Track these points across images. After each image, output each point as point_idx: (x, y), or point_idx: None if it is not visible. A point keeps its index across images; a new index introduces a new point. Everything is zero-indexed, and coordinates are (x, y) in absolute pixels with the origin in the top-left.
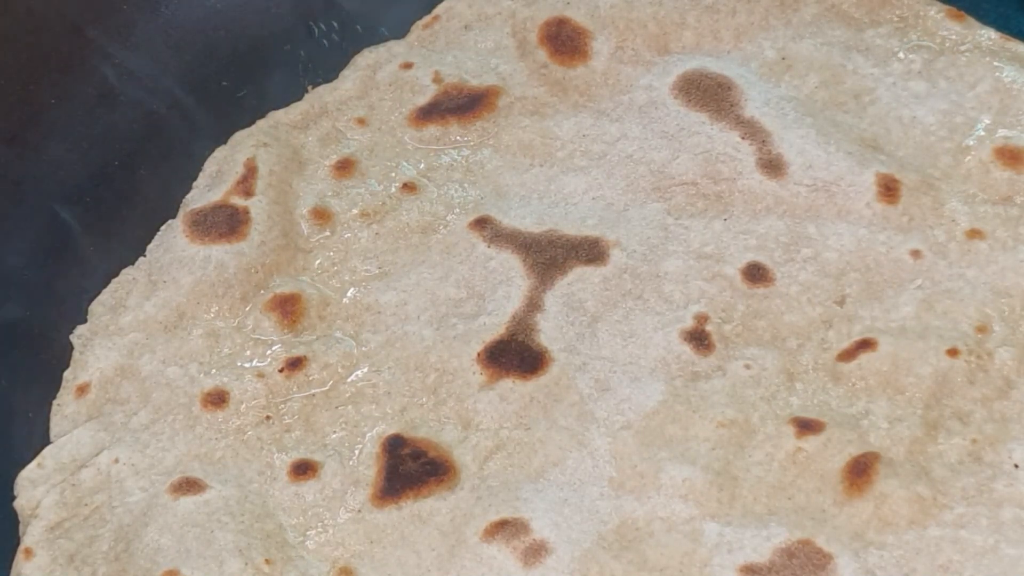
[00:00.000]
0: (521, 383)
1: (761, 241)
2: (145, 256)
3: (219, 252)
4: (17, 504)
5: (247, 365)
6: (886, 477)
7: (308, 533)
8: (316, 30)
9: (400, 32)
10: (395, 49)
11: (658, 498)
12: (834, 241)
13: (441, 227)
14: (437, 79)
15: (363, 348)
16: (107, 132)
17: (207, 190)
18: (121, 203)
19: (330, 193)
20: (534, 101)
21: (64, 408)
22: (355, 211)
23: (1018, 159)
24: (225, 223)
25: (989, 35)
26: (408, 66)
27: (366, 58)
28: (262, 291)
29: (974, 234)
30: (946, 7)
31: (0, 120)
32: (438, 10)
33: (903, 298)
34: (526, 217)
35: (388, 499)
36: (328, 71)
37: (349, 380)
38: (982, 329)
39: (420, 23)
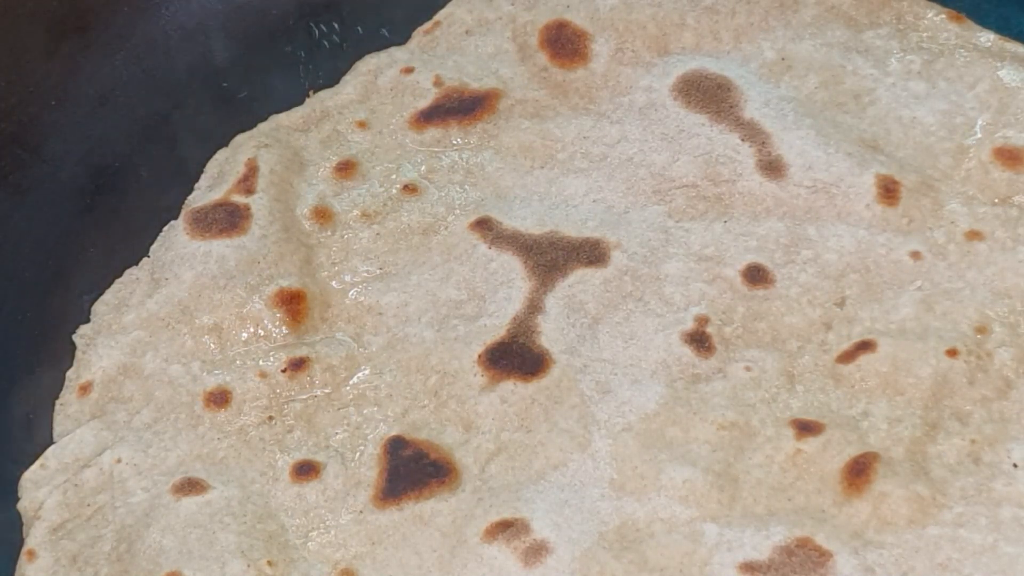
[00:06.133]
0: (522, 385)
1: (761, 243)
2: (149, 256)
3: (219, 246)
4: (20, 506)
5: (250, 364)
6: (885, 477)
7: (310, 534)
8: (316, 31)
9: (401, 34)
10: (396, 55)
11: (659, 499)
12: (834, 243)
13: (442, 228)
14: (438, 82)
15: (364, 350)
16: (107, 133)
17: (208, 191)
18: (121, 204)
19: (331, 193)
20: (534, 103)
21: (67, 407)
22: (356, 212)
23: (1017, 159)
24: (226, 219)
25: (988, 37)
26: (409, 71)
27: (367, 64)
28: (265, 284)
29: (973, 235)
30: (945, 9)
31: (0, 120)
32: (439, 16)
33: (903, 299)
34: (527, 219)
35: (390, 500)
36: (328, 72)
37: (351, 382)
38: (981, 330)
39: (421, 29)
